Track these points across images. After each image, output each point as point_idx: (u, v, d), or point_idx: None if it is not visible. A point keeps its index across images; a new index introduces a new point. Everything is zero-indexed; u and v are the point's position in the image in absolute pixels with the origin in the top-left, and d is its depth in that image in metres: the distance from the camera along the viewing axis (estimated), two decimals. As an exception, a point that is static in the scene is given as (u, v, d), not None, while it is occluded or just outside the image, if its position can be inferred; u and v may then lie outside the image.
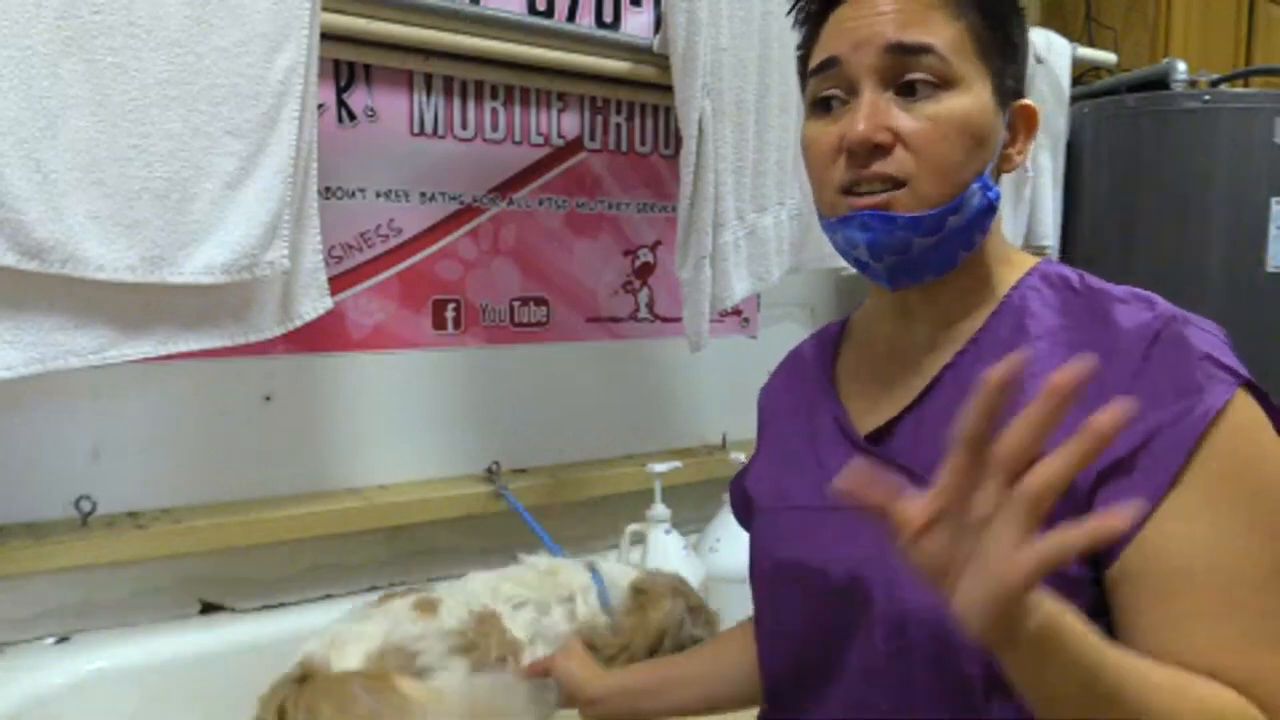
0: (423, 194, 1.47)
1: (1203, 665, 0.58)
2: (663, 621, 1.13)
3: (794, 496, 0.81)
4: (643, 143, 1.68)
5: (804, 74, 0.77)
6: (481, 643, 1.01)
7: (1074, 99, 2.00)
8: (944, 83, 0.69)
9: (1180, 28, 2.25)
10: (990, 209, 0.72)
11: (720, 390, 1.81)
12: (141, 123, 1.05)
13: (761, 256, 1.56)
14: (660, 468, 1.46)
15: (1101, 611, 0.65)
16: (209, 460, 1.34)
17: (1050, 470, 0.47)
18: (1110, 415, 0.46)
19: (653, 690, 0.97)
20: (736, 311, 1.83)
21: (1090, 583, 0.64)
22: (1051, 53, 1.94)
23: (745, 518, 0.93)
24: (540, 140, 1.57)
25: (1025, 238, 1.94)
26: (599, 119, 1.63)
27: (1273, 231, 1.80)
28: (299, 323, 1.20)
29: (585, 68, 1.47)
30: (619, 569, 1.19)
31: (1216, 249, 1.83)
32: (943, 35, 0.69)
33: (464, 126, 1.50)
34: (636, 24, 1.59)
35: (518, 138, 1.55)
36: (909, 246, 0.70)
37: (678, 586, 1.19)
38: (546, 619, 1.09)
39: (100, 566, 1.22)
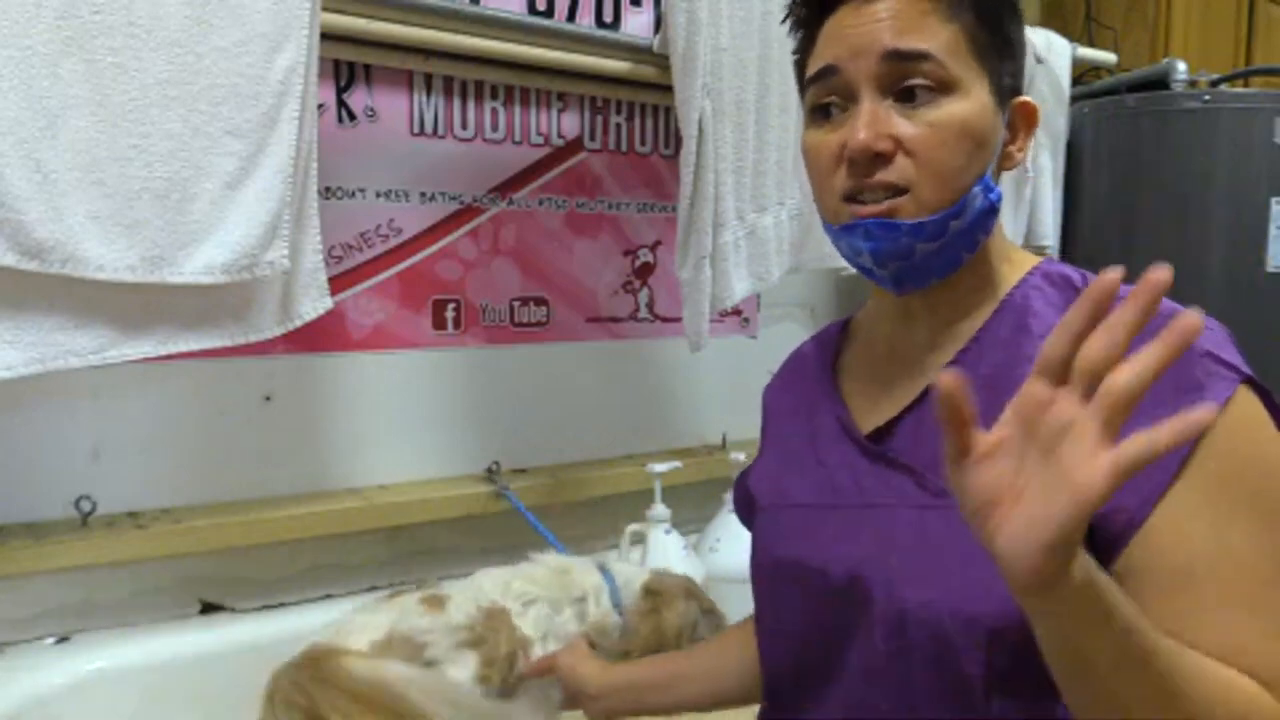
0: (423, 194, 1.47)
1: (1220, 657, 0.58)
2: (678, 624, 1.13)
3: (795, 495, 0.81)
4: (643, 143, 1.68)
5: (801, 79, 0.77)
6: (490, 638, 1.01)
7: (1074, 99, 2.00)
8: (942, 87, 0.69)
9: (1180, 28, 2.25)
10: (992, 210, 0.72)
11: (720, 390, 1.81)
12: (141, 123, 1.05)
13: (761, 256, 1.56)
14: (660, 468, 1.46)
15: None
16: (209, 460, 1.34)
17: (1133, 370, 0.46)
18: (1194, 315, 0.46)
19: (656, 686, 0.97)
20: (736, 311, 1.83)
21: None
22: (1051, 53, 1.94)
23: (747, 516, 0.93)
24: (540, 140, 1.57)
25: (1025, 238, 1.94)
26: (599, 119, 1.63)
27: (1273, 231, 1.80)
28: (299, 323, 1.20)
29: (585, 68, 1.47)
30: (630, 569, 1.19)
31: (1216, 249, 1.83)
32: (939, 40, 0.68)
33: (464, 126, 1.50)
34: (636, 24, 1.59)
35: (518, 138, 1.55)
36: (912, 252, 0.70)
37: (690, 588, 1.19)
38: (558, 617, 1.09)
39: (100, 566, 1.22)
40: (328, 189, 1.38)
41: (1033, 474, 0.49)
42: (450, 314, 1.52)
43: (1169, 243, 1.87)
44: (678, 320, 1.59)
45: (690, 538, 1.49)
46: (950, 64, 0.68)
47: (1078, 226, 2.01)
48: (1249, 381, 0.64)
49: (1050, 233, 1.96)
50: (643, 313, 1.72)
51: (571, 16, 1.53)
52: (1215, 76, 1.96)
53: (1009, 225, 1.85)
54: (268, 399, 1.38)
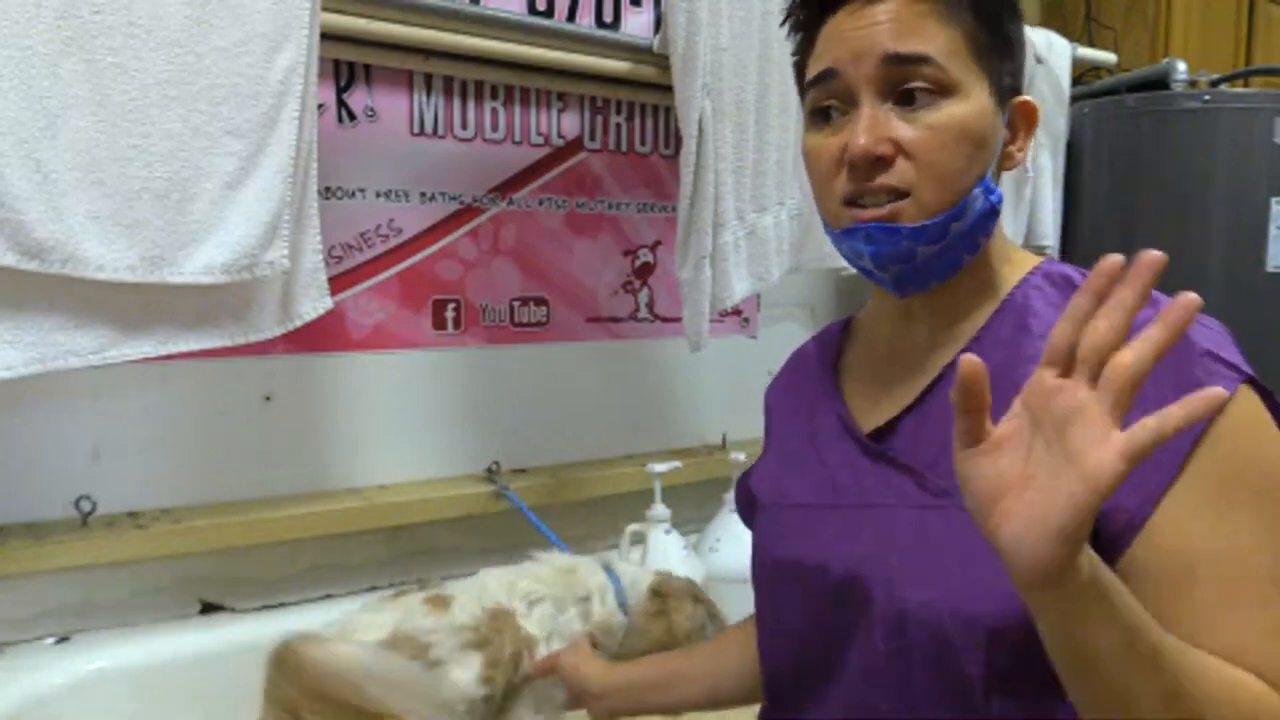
0: (423, 194, 1.47)
1: (1225, 657, 0.58)
2: (688, 626, 1.14)
3: (795, 494, 0.81)
4: (643, 143, 1.68)
5: (801, 80, 0.77)
6: (495, 639, 1.01)
7: (1074, 99, 2.00)
8: (942, 90, 0.69)
9: (1180, 28, 2.25)
10: (993, 212, 0.72)
11: (720, 390, 1.81)
12: (141, 123, 1.05)
13: (761, 256, 1.56)
14: (660, 468, 1.46)
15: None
16: (209, 460, 1.34)
17: (1137, 351, 0.47)
18: (1193, 295, 0.46)
19: (659, 685, 0.97)
20: (736, 311, 1.83)
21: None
22: (1051, 53, 1.94)
23: (749, 516, 0.93)
24: (540, 140, 1.57)
25: (1025, 238, 1.94)
26: (599, 119, 1.63)
27: (1273, 231, 1.80)
28: (299, 323, 1.20)
29: (585, 68, 1.47)
30: (634, 570, 1.19)
31: (1216, 249, 1.83)
32: (938, 42, 0.68)
33: (464, 126, 1.50)
34: (636, 24, 1.59)
35: (518, 138, 1.55)
36: (913, 255, 0.70)
37: (695, 591, 1.19)
38: (563, 616, 1.09)
39: (100, 566, 1.22)
40: (328, 189, 1.38)
41: (1040, 462, 0.49)
42: (450, 314, 1.52)
43: (1169, 243, 1.85)
44: (678, 320, 1.59)
45: (690, 538, 1.49)
46: (950, 66, 0.68)
47: (1078, 226, 2.01)
48: (1250, 381, 0.64)
49: (1050, 233, 1.96)
50: (643, 313, 1.72)
51: (571, 16, 1.53)
52: (1215, 76, 1.96)
53: (1009, 225, 1.86)
54: (268, 399, 1.38)
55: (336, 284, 1.33)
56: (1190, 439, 0.61)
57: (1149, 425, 0.46)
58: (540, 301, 1.60)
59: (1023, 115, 0.75)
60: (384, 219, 1.45)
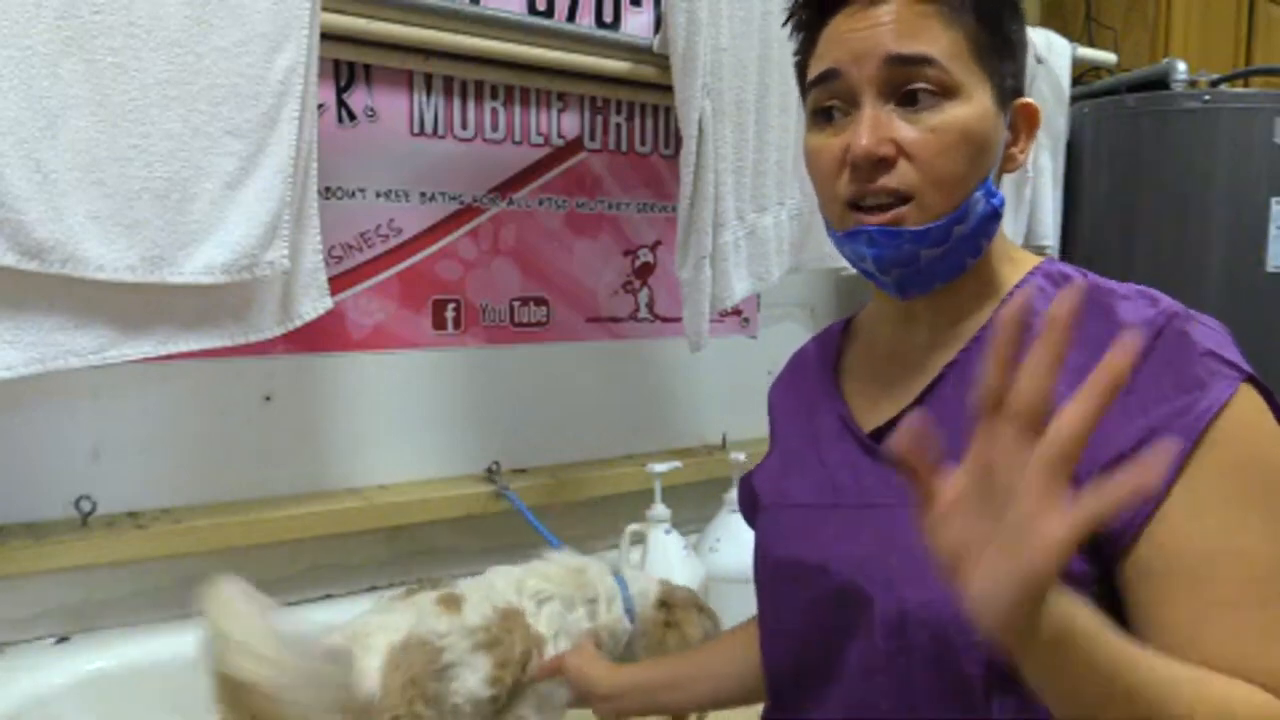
0: (423, 194, 1.47)
1: (1227, 658, 0.58)
2: (697, 636, 1.14)
3: (796, 494, 0.81)
4: (643, 143, 1.68)
5: (802, 81, 0.77)
6: (505, 639, 1.01)
7: (1074, 99, 2.00)
8: (944, 91, 0.69)
9: (1180, 28, 2.25)
10: (995, 215, 0.72)
11: (720, 390, 1.81)
12: (141, 123, 1.05)
13: (761, 256, 1.56)
14: (660, 468, 1.46)
15: (1105, 612, 0.65)
16: (209, 460, 1.34)
17: (1072, 417, 0.46)
18: (1123, 350, 0.45)
19: (667, 686, 0.97)
20: (736, 311, 1.83)
21: (1092, 580, 0.64)
22: (1051, 53, 1.94)
23: (751, 515, 0.93)
24: (540, 140, 1.57)
25: (1025, 238, 1.94)
26: (599, 119, 1.63)
27: (1273, 231, 1.80)
28: (299, 323, 1.20)
29: (585, 68, 1.47)
30: (642, 578, 1.18)
31: (1216, 249, 1.83)
32: (941, 44, 0.68)
33: (464, 126, 1.50)
34: (636, 24, 1.59)
35: (518, 138, 1.55)
36: (916, 258, 0.70)
37: (698, 601, 1.20)
38: (571, 614, 1.09)
39: (100, 566, 1.22)
40: (328, 189, 1.38)
41: (996, 522, 0.49)
42: (450, 314, 1.52)
43: (1169, 243, 1.87)
44: (678, 320, 1.59)
45: (690, 538, 1.49)
46: (952, 68, 0.68)
47: (1078, 226, 2.01)
48: (1250, 380, 0.64)
49: (1050, 233, 1.96)
50: (643, 313, 1.72)
51: (571, 16, 1.53)
52: (1215, 76, 1.96)
53: (1009, 225, 1.85)
54: (268, 399, 1.38)
55: (336, 284, 1.33)
56: (1191, 438, 0.61)
57: (1094, 501, 0.45)
58: (540, 301, 1.60)
59: (1024, 117, 0.75)
60: (384, 219, 1.45)
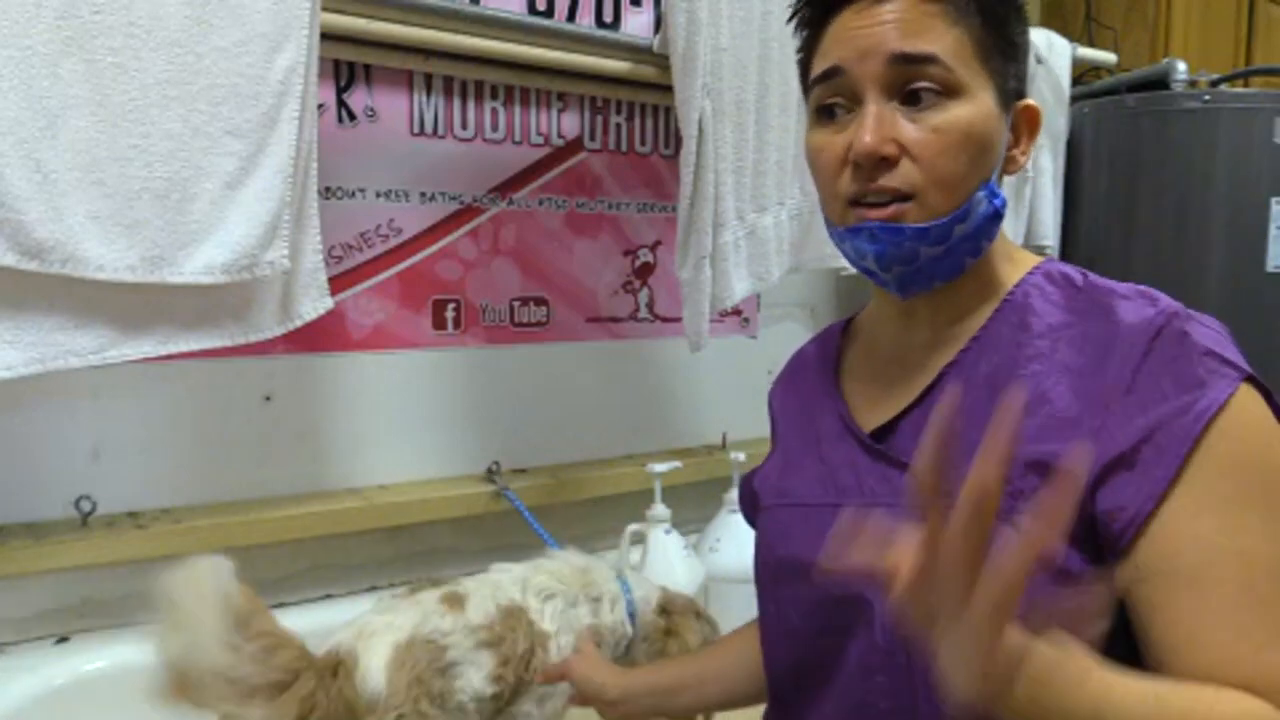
0: (423, 194, 1.47)
1: (1225, 662, 0.58)
2: (696, 643, 1.14)
3: (796, 494, 0.82)
4: (643, 143, 1.68)
5: (805, 78, 0.77)
6: (508, 636, 1.01)
7: (1074, 99, 2.00)
8: (948, 91, 0.69)
9: (1180, 28, 2.25)
10: (996, 216, 0.72)
11: (720, 390, 1.81)
12: (141, 123, 1.05)
13: (761, 256, 1.56)
14: (660, 468, 1.46)
15: (1106, 612, 0.65)
16: (209, 460, 1.34)
17: (1008, 568, 0.47)
18: (1079, 461, 0.46)
19: (676, 689, 0.97)
20: (736, 311, 1.83)
21: (1093, 580, 0.64)
22: (1051, 53, 1.94)
23: (752, 515, 0.93)
24: (540, 140, 1.57)
25: (1025, 238, 1.94)
26: (599, 119, 1.63)
27: (1273, 231, 1.80)
28: (299, 323, 1.20)
29: (585, 68, 1.47)
30: (643, 583, 1.19)
31: (1216, 249, 1.83)
32: (945, 43, 0.68)
33: (464, 126, 1.50)
34: (636, 24, 1.59)
35: (518, 138, 1.55)
36: (916, 256, 0.70)
37: (696, 608, 1.20)
38: (575, 611, 1.09)
39: (100, 566, 1.22)
40: (328, 189, 1.38)
41: (957, 601, 0.49)
42: (450, 314, 1.52)
43: (1169, 243, 1.87)
44: (678, 320, 1.59)
45: (690, 538, 1.49)
46: (956, 68, 0.68)
47: (1078, 226, 2.01)
48: (1250, 380, 0.64)
49: (1050, 233, 1.96)
50: (643, 313, 1.72)
51: (571, 16, 1.53)
52: (1215, 76, 1.96)
53: (1009, 225, 1.85)
54: (268, 399, 1.38)
55: (336, 284, 1.33)
56: (1191, 438, 0.61)
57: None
58: (540, 301, 1.60)
59: (1026, 119, 0.75)
60: (384, 219, 1.45)
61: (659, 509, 1.44)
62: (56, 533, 1.19)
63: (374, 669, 0.94)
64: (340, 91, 1.39)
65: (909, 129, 0.69)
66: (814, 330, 1.12)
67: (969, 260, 0.73)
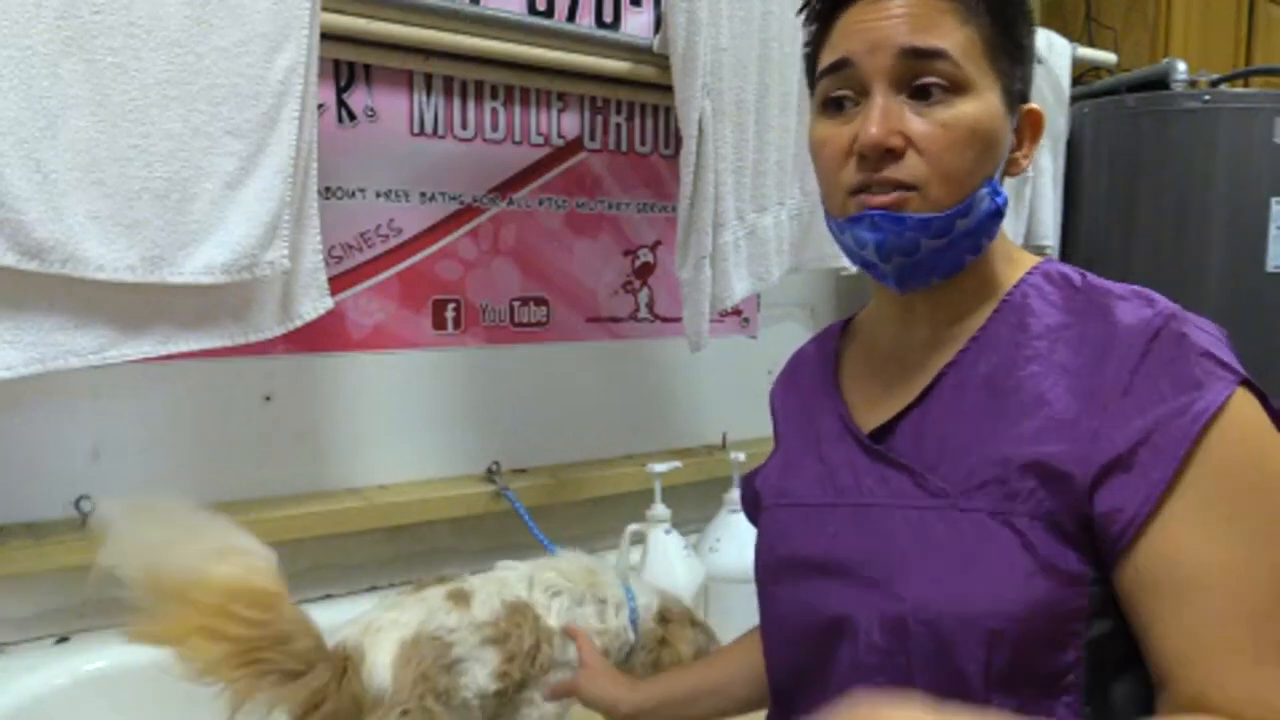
0: (423, 194, 1.47)
1: (1220, 675, 0.59)
2: (689, 653, 1.14)
3: (797, 494, 0.82)
4: (643, 143, 1.68)
5: (811, 72, 0.77)
6: (513, 633, 1.02)
7: (1074, 99, 2.00)
8: (956, 87, 0.69)
9: (1180, 28, 2.25)
10: (998, 214, 0.72)
11: (720, 390, 1.81)
12: (141, 123, 1.05)
13: (761, 256, 1.56)
14: (660, 468, 1.46)
15: (1106, 612, 0.65)
16: (209, 460, 1.34)
17: None
18: None
19: (687, 701, 0.97)
20: (736, 311, 1.83)
21: (1092, 581, 0.64)
22: (1051, 53, 1.94)
23: (754, 515, 0.93)
24: (540, 140, 1.57)
25: (1025, 238, 1.94)
26: (599, 119, 1.63)
27: (1273, 231, 1.80)
28: (299, 323, 1.20)
29: (585, 68, 1.47)
30: (645, 590, 1.18)
31: (1216, 249, 1.83)
32: (954, 40, 0.69)
33: (464, 126, 1.50)
34: (636, 24, 1.59)
35: (518, 138, 1.55)
36: (917, 248, 0.70)
37: (692, 615, 1.20)
38: (580, 609, 1.09)
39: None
40: (328, 189, 1.38)
41: None
42: (450, 314, 1.52)
43: (1169, 243, 1.87)
44: (678, 320, 1.59)
45: (690, 538, 1.49)
46: (965, 65, 0.69)
47: (1078, 226, 2.01)
48: (1245, 383, 0.64)
49: (1050, 233, 1.96)
50: (643, 313, 1.72)
51: (571, 16, 1.53)
52: (1215, 76, 1.96)
53: (1009, 225, 1.85)
54: (268, 399, 1.38)
55: (336, 284, 1.33)
56: (1189, 439, 0.61)
57: None
58: (540, 301, 1.60)
59: (1029, 123, 0.75)
60: (384, 219, 1.45)
61: (659, 509, 1.44)
62: (56, 533, 1.19)
63: (380, 665, 0.94)
64: (340, 91, 1.39)
65: (916, 123, 0.69)
66: (814, 330, 1.12)
67: (968, 257, 0.73)
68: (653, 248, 1.72)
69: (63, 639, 1.22)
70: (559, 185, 1.60)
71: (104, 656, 1.19)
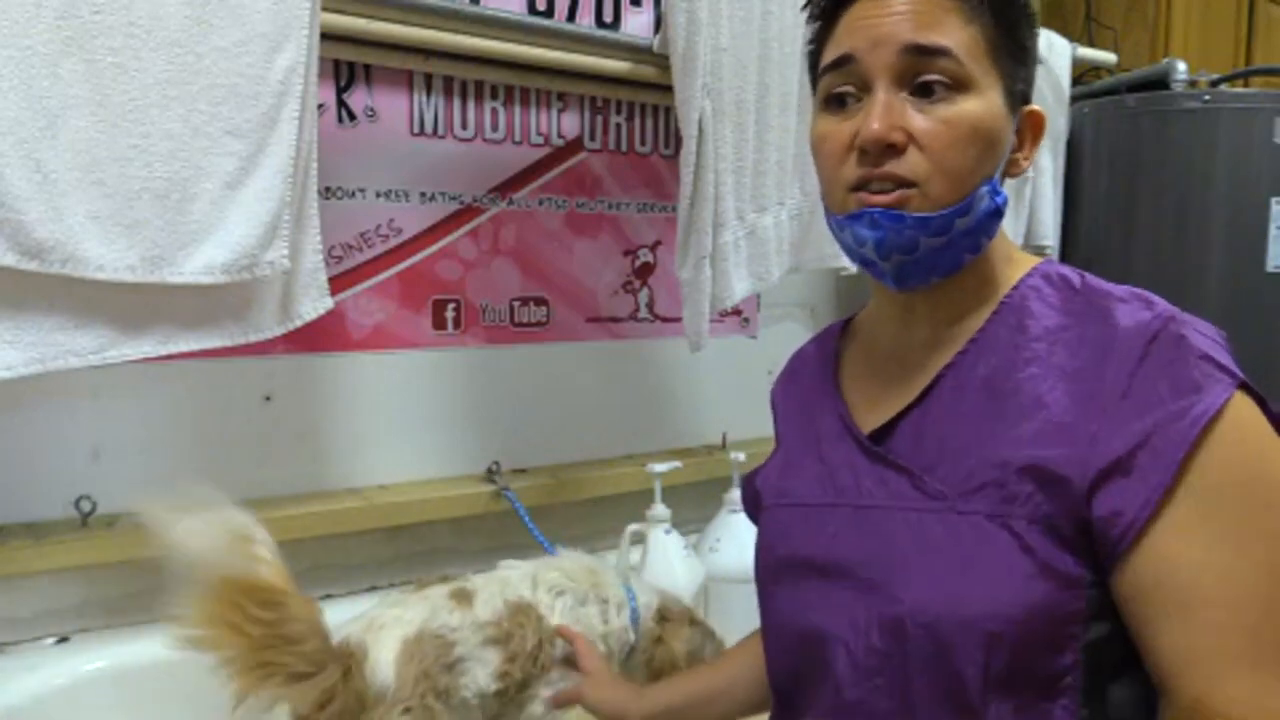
0: (423, 194, 1.47)
1: (1216, 684, 0.59)
2: (684, 651, 1.13)
3: (796, 494, 0.82)
4: (643, 143, 1.68)
5: (814, 70, 0.77)
6: (516, 632, 1.02)
7: (1074, 99, 2.00)
8: (958, 85, 0.69)
9: (1180, 28, 2.25)
10: (997, 213, 0.72)
11: (720, 390, 1.81)
12: (141, 123, 1.05)
13: (761, 256, 1.56)
14: (660, 468, 1.46)
15: (1104, 615, 0.65)
16: (209, 460, 1.34)
17: None
18: None
19: (701, 703, 0.97)
20: (736, 311, 1.83)
21: (1090, 584, 0.64)
22: (1051, 53, 1.94)
23: (755, 514, 0.93)
24: (540, 140, 1.57)
25: (1025, 238, 1.94)
26: (599, 119, 1.63)
27: (1273, 231, 1.80)
28: (299, 323, 1.20)
29: (585, 68, 1.47)
30: (645, 590, 1.19)
31: (1216, 249, 1.83)
32: (958, 38, 0.69)
33: (464, 126, 1.50)
34: (636, 24, 1.59)
35: (518, 138, 1.55)
36: (916, 246, 0.70)
37: (692, 615, 1.20)
38: (583, 609, 1.09)
39: (100, 566, 1.22)
40: (328, 189, 1.38)
41: None
42: (450, 314, 1.52)
43: (1169, 243, 1.87)
44: (678, 320, 1.59)
45: (690, 538, 1.49)
46: (968, 63, 0.69)
47: (1078, 227, 2.01)
48: (1244, 387, 0.64)
49: (1050, 233, 1.96)
50: (643, 313, 1.72)
51: (571, 16, 1.53)
52: (1215, 76, 1.96)
53: (1008, 225, 1.85)
54: (268, 399, 1.38)
55: (336, 284, 1.33)
56: (1187, 442, 0.61)
57: None
58: (540, 301, 1.60)
59: (1031, 124, 0.75)
60: (384, 219, 1.45)
61: (659, 509, 1.44)
62: (56, 533, 1.19)
63: (383, 662, 0.94)
64: (340, 91, 1.39)
65: (918, 119, 0.69)
66: (814, 330, 1.12)
67: (967, 256, 0.73)
68: (653, 248, 1.72)
69: (63, 639, 1.22)
70: (559, 185, 1.60)
71: (104, 656, 1.19)
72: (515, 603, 1.05)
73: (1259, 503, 0.61)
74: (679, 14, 1.40)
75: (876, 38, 0.70)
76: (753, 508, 0.94)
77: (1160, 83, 1.95)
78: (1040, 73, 1.89)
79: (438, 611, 1.01)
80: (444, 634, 0.99)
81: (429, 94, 1.46)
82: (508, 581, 1.08)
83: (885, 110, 0.69)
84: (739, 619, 1.06)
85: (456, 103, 1.48)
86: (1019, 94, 0.73)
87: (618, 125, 1.65)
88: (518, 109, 1.53)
